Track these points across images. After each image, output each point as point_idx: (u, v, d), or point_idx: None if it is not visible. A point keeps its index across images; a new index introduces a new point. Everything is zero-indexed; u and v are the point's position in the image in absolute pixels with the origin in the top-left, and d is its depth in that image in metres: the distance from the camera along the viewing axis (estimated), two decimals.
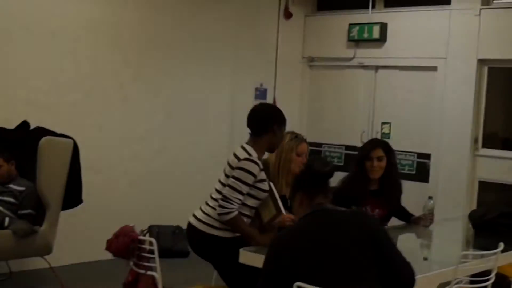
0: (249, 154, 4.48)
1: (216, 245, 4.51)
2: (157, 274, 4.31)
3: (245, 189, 4.43)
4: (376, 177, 5.28)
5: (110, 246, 4.62)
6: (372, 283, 3.32)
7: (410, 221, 5.51)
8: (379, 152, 5.26)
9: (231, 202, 4.40)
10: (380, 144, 5.38)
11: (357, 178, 5.30)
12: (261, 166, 4.51)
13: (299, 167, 4.61)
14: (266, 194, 4.55)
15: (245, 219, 4.51)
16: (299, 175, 3.76)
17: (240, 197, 4.42)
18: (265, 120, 4.60)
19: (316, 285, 3.17)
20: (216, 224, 4.49)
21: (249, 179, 4.43)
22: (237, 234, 4.49)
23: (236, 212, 4.41)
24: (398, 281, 3.43)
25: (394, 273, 3.41)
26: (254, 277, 3.56)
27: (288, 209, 4.55)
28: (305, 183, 3.61)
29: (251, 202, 4.53)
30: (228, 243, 4.47)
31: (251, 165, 4.44)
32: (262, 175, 4.52)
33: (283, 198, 4.67)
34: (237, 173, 4.43)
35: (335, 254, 3.32)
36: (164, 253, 7.18)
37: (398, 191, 5.49)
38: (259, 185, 4.51)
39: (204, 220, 4.53)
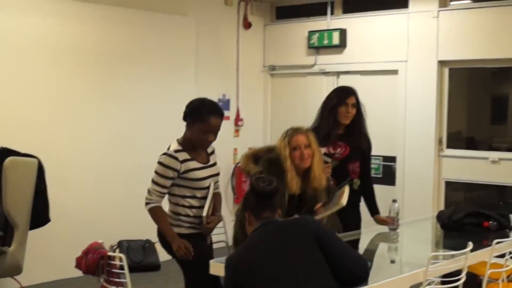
0: (168, 149, 4.67)
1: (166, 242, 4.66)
2: None
3: (164, 182, 4.57)
4: (347, 122, 5.47)
5: (80, 263, 4.59)
6: (327, 281, 3.42)
7: (375, 218, 5.57)
8: (353, 100, 5.49)
9: (151, 194, 4.58)
10: (354, 93, 5.58)
11: (328, 122, 5.46)
12: (181, 159, 4.57)
13: (302, 160, 4.60)
14: (200, 183, 4.62)
15: (194, 210, 4.62)
16: (245, 196, 3.87)
17: (160, 189, 4.57)
18: (184, 113, 4.73)
19: None
20: (170, 220, 4.66)
21: (167, 173, 4.55)
22: (192, 231, 4.63)
23: (154, 205, 4.58)
24: (351, 275, 3.53)
25: (344, 265, 3.51)
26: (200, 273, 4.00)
27: (296, 208, 4.58)
28: (251, 203, 3.76)
29: (188, 192, 4.63)
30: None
31: (167, 159, 4.57)
32: (189, 165, 4.60)
33: (291, 197, 4.61)
34: (156, 167, 4.60)
35: (286, 260, 3.45)
36: (135, 268, 7.19)
37: (367, 141, 5.73)
38: (187, 175, 4.60)
39: None
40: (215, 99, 9.02)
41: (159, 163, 4.58)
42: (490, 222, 5.31)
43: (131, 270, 4.36)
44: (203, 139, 4.64)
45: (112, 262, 4.34)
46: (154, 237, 8.04)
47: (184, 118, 4.71)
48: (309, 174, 4.62)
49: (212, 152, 4.85)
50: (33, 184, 6.22)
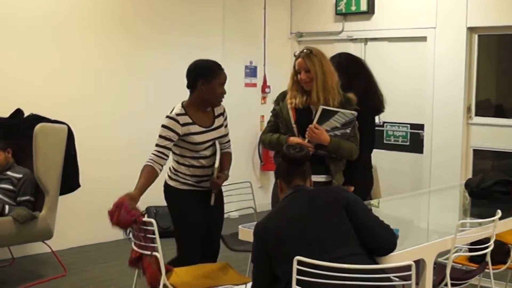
0: (171, 112, 4.77)
1: (166, 193, 4.93)
2: (158, 254, 4.33)
3: (164, 143, 4.69)
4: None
5: (112, 216, 4.62)
6: (354, 247, 3.44)
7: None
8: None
9: (153, 154, 4.69)
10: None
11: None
12: (182, 122, 4.70)
13: (305, 82, 4.62)
14: (200, 146, 4.76)
15: (191, 169, 4.79)
16: (278, 164, 3.89)
17: (159, 149, 4.68)
18: (191, 77, 4.81)
19: (297, 255, 3.29)
20: (170, 174, 4.91)
21: (168, 135, 4.69)
22: (186, 187, 4.83)
23: (147, 163, 4.67)
24: (377, 244, 3.54)
25: (372, 236, 3.53)
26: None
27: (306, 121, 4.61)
28: (282, 170, 3.80)
29: (188, 153, 4.79)
30: (174, 192, 4.87)
31: (169, 121, 4.71)
32: (189, 129, 4.73)
33: (299, 110, 4.67)
34: (160, 129, 4.73)
35: (316, 226, 3.48)
36: (163, 233, 7.22)
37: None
38: (186, 138, 4.74)
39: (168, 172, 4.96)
40: (242, 66, 9.14)
41: (163, 125, 4.73)
42: None
43: (159, 235, 4.40)
44: (220, 93, 4.79)
45: (143, 227, 4.39)
46: None
47: (194, 82, 4.79)
48: (311, 97, 4.64)
49: (221, 114, 4.94)
50: (63, 150, 6.30)
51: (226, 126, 4.97)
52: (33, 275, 6.49)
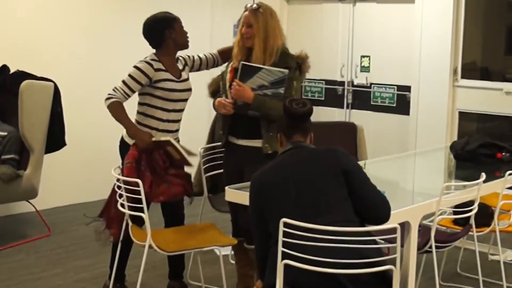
0: (144, 58, 4.80)
1: (124, 150, 4.81)
2: (144, 215, 4.33)
3: (134, 85, 4.69)
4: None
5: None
6: (348, 214, 3.43)
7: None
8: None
9: (116, 90, 4.69)
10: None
11: None
12: (156, 67, 4.72)
13: (246, 38, 4.59)
14: (174, 94, 4.76)
15: (161, 123, 4.78)
16: (280, 117, 3.81)
17: (127, 91, 4.69)
18: (156, 33, 4.83)
19: (294, 218, 3.26)
20: None
21: (141, 78, 4.69)
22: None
23: (116, 99, 4.65)
24: (372, 215, 3.53)
25: (368, 207, 3.51)
26: None
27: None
28: (283, 124, 3.74)
29: (159, 103, 4.77)
30: (125, 146, 4.81)
31: (143, 64, 4.72)
32: (161, 75, 4.74)
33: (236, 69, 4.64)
34: (130, 70, 4.73)
35: (311, 187, 3.46)
36: None
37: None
38: (160, 85, 4.74)
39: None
40: (231, 27, 9.05)
41: (135, 66, 4.73)
42: (503, 153, 5.31)
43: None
44: (186, 33, 4.89)
45: (129, 187, 4.38)
46: None
47: (160, 35, 4.80)
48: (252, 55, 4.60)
49: (183, 69, 4.94)
50: (49, 108, 6.26)
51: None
52: (17, 235, 6.47)
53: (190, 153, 4.73)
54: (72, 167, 7.35)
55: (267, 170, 3.63)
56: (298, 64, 4.59)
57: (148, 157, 4.65)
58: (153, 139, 4.66)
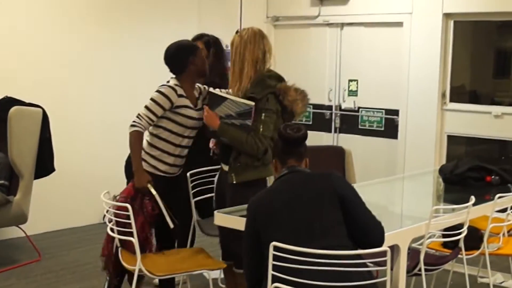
0: (167, 82, 4.84)
1: (126, 166, 5.12)
2: (134, 239, 4.33)
3: (157, 110, 4.68)
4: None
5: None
6: (342, 239, 3.42)
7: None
8: (200, 45, 5.45)
9: (141, 118, 4.67)
10: (200, 38, 5.71)
11: None
12: (179, 93, 4.74)
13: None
14: (191, 121, 4.78)
15: (172, 147, 4.80)
16: (275, 143, 3.84)
17: (151, 116, 4.68)
18: (179, 59, 4.83)
19: (289, 243, 3.26)
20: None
21: (164, 103, 4.69)
22: (155, 172, 4.79)
23: (139, 129, 4.66)
24: (367, 240, 3.53)
25: (363, 231, 3.52)
26: None
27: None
28: (278, 149, 3.75)
29: (175, 128, 4.78)
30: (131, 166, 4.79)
31: (167, 89, 4.72)
32: (182, 102, 4.75)
33: None
34: (153, 94, 4.72)
35: (306, 212, 3.45)
36: None
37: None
38: (180, 111, 4.75)
39: None
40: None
41: (158, 91, 4.73)
42: (493, 176, 5.33)
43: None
44: (206, 63, 4.99)
45: (119, 211, 4.39)
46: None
47: (184, 63, 4.81)
48: None
49: (198, 97, 4.93)
50: (38, 134, 6.27)
51: None
52: (7, 260, 6.45)
53: (170, 218, 4.74)
54: (61, 193, 7.34)
55: (264, 194, 3.65)
56: (275, 95, 4.54)
57: (142, 199, 4.66)
58: (148, 185, 4.67)
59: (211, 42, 5.67)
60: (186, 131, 4.82)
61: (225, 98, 4.51)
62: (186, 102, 4.77)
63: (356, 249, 3.44)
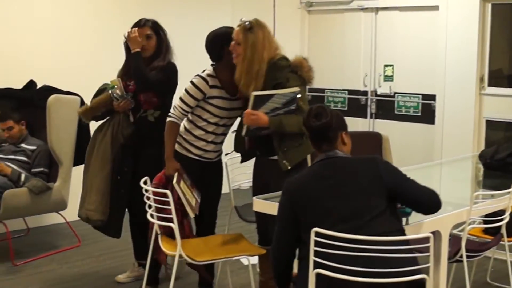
0: (202, 72, 4.82)
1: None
2: (174, 225, 4.36)
3: (189, 101, 4.75)
4: (145, 55, 5.32)
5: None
6: (394, 223, 3.42)
7: None
8: (146, 30, 5.37)
9: (175, 109, 4.79)
10: (147, 23, 5.43)
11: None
12: (211, 84, 4.75)
13: (235, 55, 4.63)
14: (225, 112, 4.81)
15: (207, 135, 4.84)
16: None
17: (184, 107, 4.76)
18: (216, 48, 4.79)
19: (329, 227, 3.26)
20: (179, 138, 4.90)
21: (196, 94, 4.74)
22: (190, 155, 4.86)
23: (174, 120, 4.78)
24: (423, 210, 3.63)
25: (417, 204, 3.58)
26: None
27: None
28: (309, 136, 3.71)
29: (208, 116, 4.81)
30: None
31: (199, 80, 4.75)
32: (214, 92, 4.77)
33: None
34: (188, 85, 4.77)
35: (350, 198, 3.42)
36: None
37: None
38: (212, 101, 4.78)
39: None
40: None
41: (191, 82, 4.76)
42: None
43: None
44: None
45: (157, 197, 4.43)
46: None
47: (220, 51, 4.76)
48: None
49: None
50: (76, 122, 6.31)
51: None
52: (48, 246, 6.57)
53: (190, 206, 4.75)
54: None
55: (303, 178, 3.59)
56: (294, 72, 4.51)
57: (172, 186, 4.69)
58: (175, 175, 4.71)
59: (158, 25, 5.48)
60: (221, 120, 4.82)
61: (272, 95, 4.44)
62: (220, 92, 4.76)
63: (401, 234, 3.42)
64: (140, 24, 5.36)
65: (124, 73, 5.41)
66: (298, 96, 4.42)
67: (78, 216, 5.58)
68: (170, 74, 5.32)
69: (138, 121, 5.35)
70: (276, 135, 4.49)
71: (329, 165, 3.56)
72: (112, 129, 5.37)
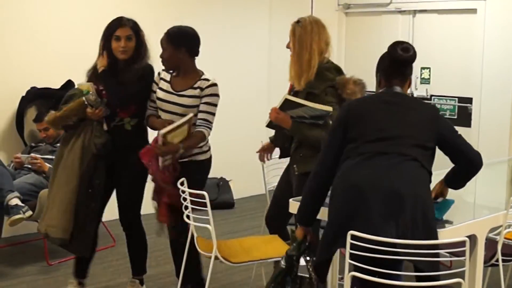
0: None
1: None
2: (210, 227, 4.39)
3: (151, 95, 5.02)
4: (122, 57, 4.99)
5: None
6: (414, 166, 3.49)
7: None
8: (127, 31, 5.02)
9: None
10: (128, 23, 5.08)
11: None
12: (161, 76, 5.04)
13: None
14: (159, 103, 4.95)
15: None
16: (381, 56, 3.77)
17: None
18: (196, 44, 5.18)
19: (371, 140, 3.47)
20: None
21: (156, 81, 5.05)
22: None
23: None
24: (467, 161, 3.70)
25: (462, 155, 3.68)
26: None
27: None
28: (384, 66, 3.72)
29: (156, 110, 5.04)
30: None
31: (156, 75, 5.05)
32: (159, 82, 5.04)
33: None
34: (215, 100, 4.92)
35: (400, 125, 3.54)
36: (210, 205, 7.31)
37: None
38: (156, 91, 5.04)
39: None
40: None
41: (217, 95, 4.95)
42: None
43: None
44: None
45: (193, 198, 4.45)
46: (228, 175, 8.19)
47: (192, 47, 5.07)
48: None
49: (199, 88, 4.88)
50: None
51: (204, 103, 4.84)
52: None
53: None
54: None
55: (365, 97, 3.89)
56: (334, 88, 4.54)
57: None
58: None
59: (137, 26, 5.17)
60: (162, 113, 5.02)
61: (303, 105, 4.48)
62: (162, 85, 5.01)
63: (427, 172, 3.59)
64: (121, 23, 5.03)
65: (96, 76, 5.06)
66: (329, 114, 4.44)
67: (37, 230, 5.15)
68: (150, 79, 5.05)
69: (113, 130, 4.99)
70: (297, 139, 4.58)
71: (395, 95, 3.64)
72: (83, 138, 4.92)
